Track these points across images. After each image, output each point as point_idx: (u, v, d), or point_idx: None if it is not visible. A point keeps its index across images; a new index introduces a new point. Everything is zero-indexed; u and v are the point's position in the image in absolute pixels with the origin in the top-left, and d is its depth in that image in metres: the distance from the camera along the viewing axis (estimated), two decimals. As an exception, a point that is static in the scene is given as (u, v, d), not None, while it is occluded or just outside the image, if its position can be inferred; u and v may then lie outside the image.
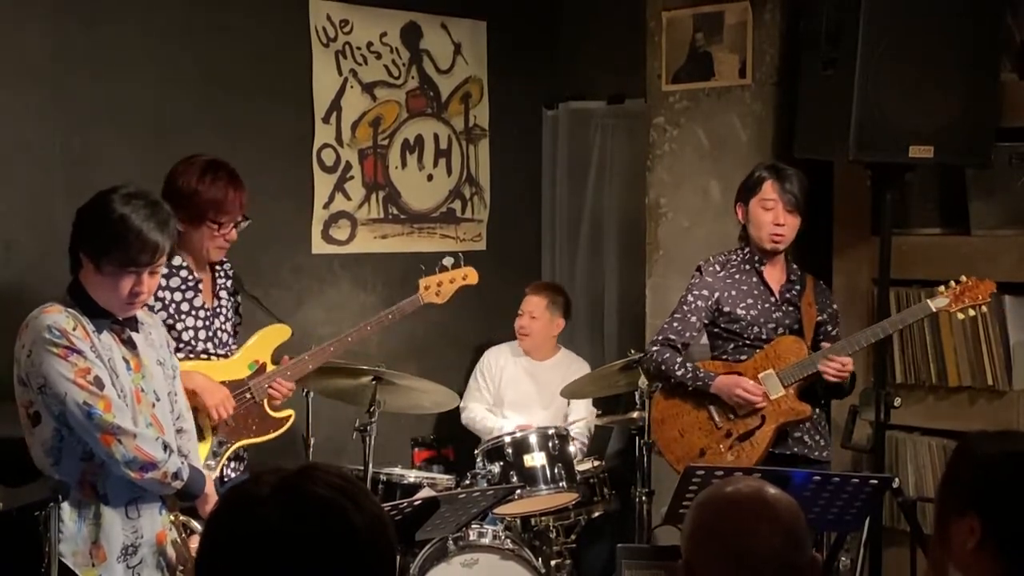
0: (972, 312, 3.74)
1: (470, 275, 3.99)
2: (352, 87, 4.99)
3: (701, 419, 3.86)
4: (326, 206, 4.96)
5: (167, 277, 3.42)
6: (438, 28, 5.29)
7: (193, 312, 3.49)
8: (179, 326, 3.45)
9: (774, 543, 1.87)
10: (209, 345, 3.53)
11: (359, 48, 5.00)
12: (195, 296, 3.50)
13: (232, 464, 3.56)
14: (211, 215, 3.44)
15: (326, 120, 4.92)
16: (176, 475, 2.87)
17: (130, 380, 2.87)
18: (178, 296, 3.46)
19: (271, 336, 3.67)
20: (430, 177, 5.32)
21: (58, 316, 2.78)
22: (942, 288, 3.75)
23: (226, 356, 3.57)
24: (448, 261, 3.96)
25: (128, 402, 2.83)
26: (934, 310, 3.71)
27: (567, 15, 5.72)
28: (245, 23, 4.62)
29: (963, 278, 3.73)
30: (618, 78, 5.45)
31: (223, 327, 3.59)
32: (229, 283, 3.66)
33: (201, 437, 3.42)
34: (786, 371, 3.76)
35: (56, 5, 4.10)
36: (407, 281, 5.21)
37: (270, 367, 3.62)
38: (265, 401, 3.59)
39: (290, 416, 3.67)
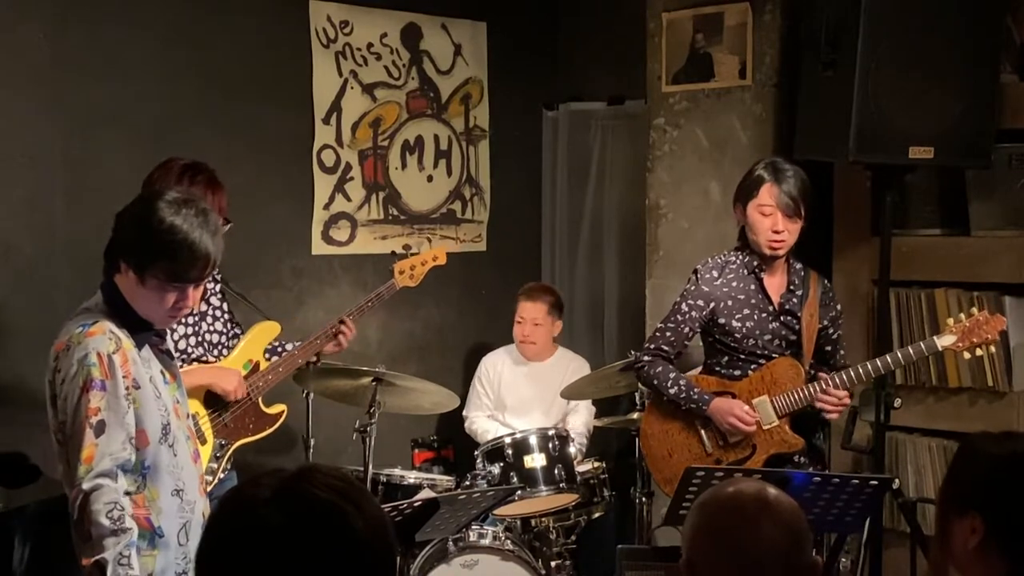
0: (980, 352, 3.64)
1: (439, 255, 4.08)
2: (352, 88, 4.99)
3: (691, 442, 3.77)
4: (326, 207, 4.96)
5: None
6: (438, 29, 5.29)
7: (183, 320, 3.46)
8: (175, 335, 3.45)
9: (778, 542, 1.87)
10: (199, 350, 3.54)
11: (359, 49, 5.00)
12: None
13: (222, 463, 3.57)
14: None
15: (326, 121, 4.93)
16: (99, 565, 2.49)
17: (168, 392, 2.73)
18: None
19: (261, 334, 3.69)
20: (430, 178, 5.32)
21: (100, 339, 2.56)
22: (950, 322, 3.65)
23: (218, 359, 3.58)
24: (419, 245, 3.99)
25: (169, 418, 2.69)
26: (940, 349, 3.62)
27: (567, 16, 5.72)
28: (245, 24, 4.62)
29: (974, 311, 3.64)
30: (618, 79, 5.45)
31: (211, 328, 3.60)
32: (217, 287, 3.66)
33: (203, 440, 3.43)
34: (781, 400, 3.65)
35: (56, 7, 4.10)
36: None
37: (263, 365, 3.64)
38: (260, 399, 3.61)
39: (283, 411, 3.69)
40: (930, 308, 4.12)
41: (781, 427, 3.67)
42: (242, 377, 3.49)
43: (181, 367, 3.37)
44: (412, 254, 4.00)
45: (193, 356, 3.51)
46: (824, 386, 3.62)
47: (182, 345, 3.48)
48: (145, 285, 2.60)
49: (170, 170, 3.40)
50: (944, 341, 3.61)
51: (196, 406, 3.42)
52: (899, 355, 3.63)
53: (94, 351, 2.55)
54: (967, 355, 3.66)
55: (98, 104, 4.21)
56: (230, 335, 3.67)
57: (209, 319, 3.59)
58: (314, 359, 3.81)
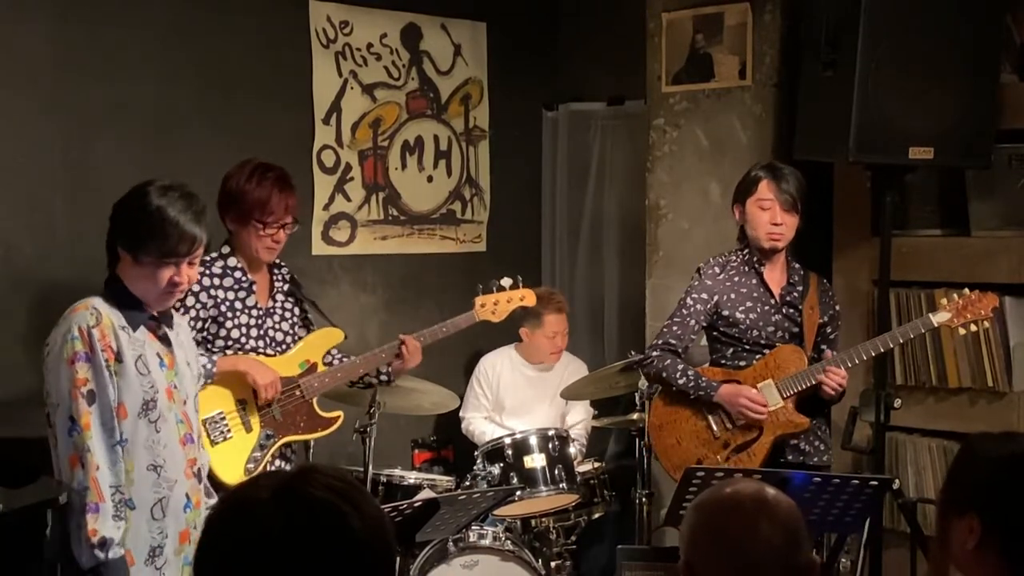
0: (974, 328, 3.71)
1: (528, 296, 4.02)
2: (352, 88, 4.99)
3: (699, 428, 3.84)
4: (326, 207, 4.96)
5: (220, 277, 3.54)
6: (438, 29, 5.29)
7: (246, 311, 3.57)
8: (228, 324, 3.54)
9: (775, 542, 1.87)
10: (260, 343, 3.60)
11: (359, 49, 5.00)
12: (248, 296, 3.58)
13: (277, 463, 3.61)
14: (256, 215, 3.52)
15: (326, 121, 4.92)
16: (103, 543, 2.69)
17: (163, 376, 2.87)
18: (231, 295, 3.55)
19: (324, 338, 3.73)
20: (430, 178, 5.32)
21: (82, 315, 2.76)
22: (944, 301, 3.73)
23: (272, 355, 3.63)
24: (506, 281, 3.98)
25: (155, 396, 2.82)
26: (935, 325, 3.69)
27: (567, 16, 5.72)
28: (245, 24, 4.62)
29: (966, 291, 3.71)
30: (618, 79, 5.45)
31: (277, 326, 3.65)
32: (286, 286, 3.73)
33: (248, 429, 3.52)
34: (785, 382, 3.73)
35: (56, 7, 4.10)
36: (407, 283, 5.24)
37: (321, 368, 3.68)
38: (315, 400, 3.65)
39: (339, 416, 3.72)
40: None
41: (786, 407, 3.75)
42: (278, 377, 3.53)
43: (232, 355, 3.51)
44: (498, 289, 3.97)
45: (248, 347, 3.57)
46: (827, 365, 3.70)
47: (236, 334, 3.55)
48: (141, 265, 2.80)
49: (244, 167, 3.59)
50: (939, 318, 3.69)
51: (246, 393, 3.52)
52: (897, 333, 3.73)
53: (75, 326, 2.75)
54: (962, 331, 3.72)
55: (98, 104, 4.21)
56: (295, 337, 3.72)
57: (276, 317, 3.66)
58: (386, 378, 3.88)
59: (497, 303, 3.96)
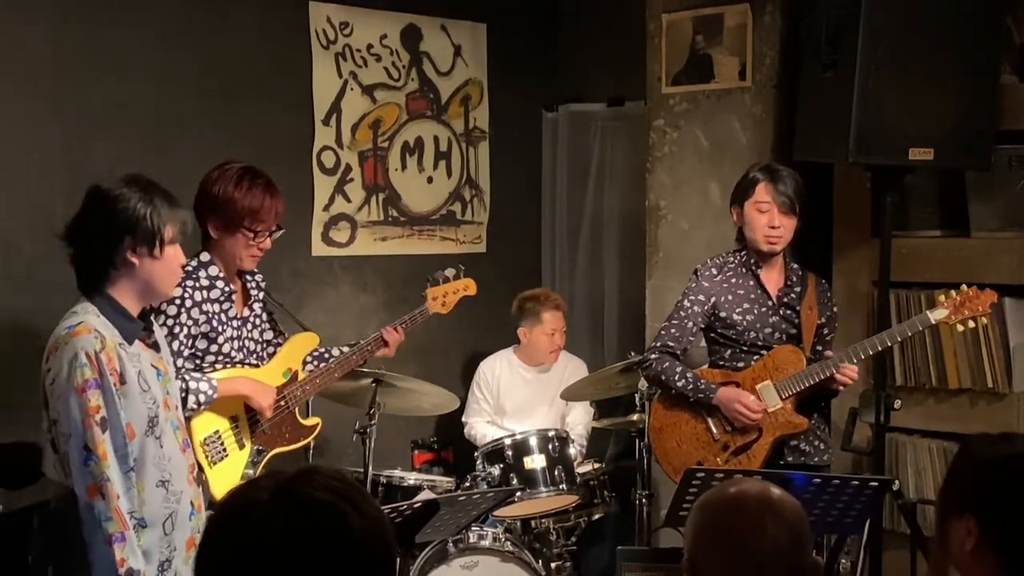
0: (972, 324, 3.73)
1: (470, 286, 4.06)
2: (352, 89, 4.99)
3: (699, 430, 3.85)
4: (326, 208, 4.96)
5: (208, 289, 3.42)
6: (438, 30, 5.29)
7: (229, 323, 3.49)
8: (220, 339, 3.44)
9: (780, 542, 1.87)
10: (241, 355, 3.54)
11: (359, 50, 5.00)
12: (230, 307, 3.50)
13: (258, 469, 3.57)
14: (246, 223, 3.42)
15: (326, 122, 4.92)
16: (130, 574, 2.65)
17: (159, 386, 2.81)
18: (216, 307, 3.45)
19: (300, 344, 3.70)
20: (430, 179, 5.32)
21: (86, 339, 2.66)
22: (942, 298, 3.73)
23: (256, 365, 3.59)
24: (450, 272, 3.99)
25: (158, 411, 2.78)
26: (933, 322, 3.69)
27: (567, 17, 5.72)
28: (245, 25, 4.62)
29: (964, 287, 3.72)
30: (618, 80, 5.45)
31: (250, 335, 3.59)
32: (261, 294, 3.67)
33: (241, 446, 3.48)
34: (784, 383, 3.74)
35: (56, 7, 4.10)
36: (407, 283, 5.23)
37: (301, 375, 3.66)
38: (296, 409, 3.63)
39: (318, 424, 3.71)
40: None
41: (785, 408, 3.75)
42: (275, 394, 3.51)
43: (222, 370, 3.45)
44: (444, 281, 3.99)
45: (236, 360, 3.51)
46: (837, 362, 3.70)
47: (227, 348, 3.47)
48: (162, 255, 2.76)
49: (226, 171, 3.46)
50: (937, 315, 3.69)
51: (237, 410, 3.47)
52: (895, 331, 3.73)
53: (82, 351, 2.65)
54: (960, 327, 3.74)
55: (98, 104, 4.21)
56: (264, 343, 3.67)
57: (249, 325, 3.60)
58: (361, 363, 3.86)
59: (445, 295, 3.98)
